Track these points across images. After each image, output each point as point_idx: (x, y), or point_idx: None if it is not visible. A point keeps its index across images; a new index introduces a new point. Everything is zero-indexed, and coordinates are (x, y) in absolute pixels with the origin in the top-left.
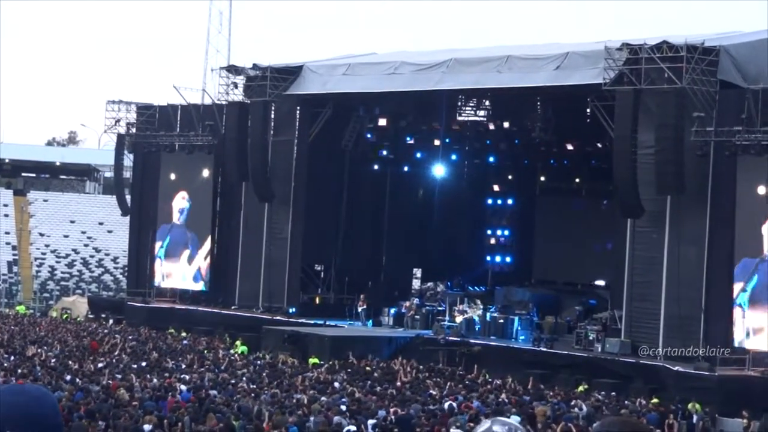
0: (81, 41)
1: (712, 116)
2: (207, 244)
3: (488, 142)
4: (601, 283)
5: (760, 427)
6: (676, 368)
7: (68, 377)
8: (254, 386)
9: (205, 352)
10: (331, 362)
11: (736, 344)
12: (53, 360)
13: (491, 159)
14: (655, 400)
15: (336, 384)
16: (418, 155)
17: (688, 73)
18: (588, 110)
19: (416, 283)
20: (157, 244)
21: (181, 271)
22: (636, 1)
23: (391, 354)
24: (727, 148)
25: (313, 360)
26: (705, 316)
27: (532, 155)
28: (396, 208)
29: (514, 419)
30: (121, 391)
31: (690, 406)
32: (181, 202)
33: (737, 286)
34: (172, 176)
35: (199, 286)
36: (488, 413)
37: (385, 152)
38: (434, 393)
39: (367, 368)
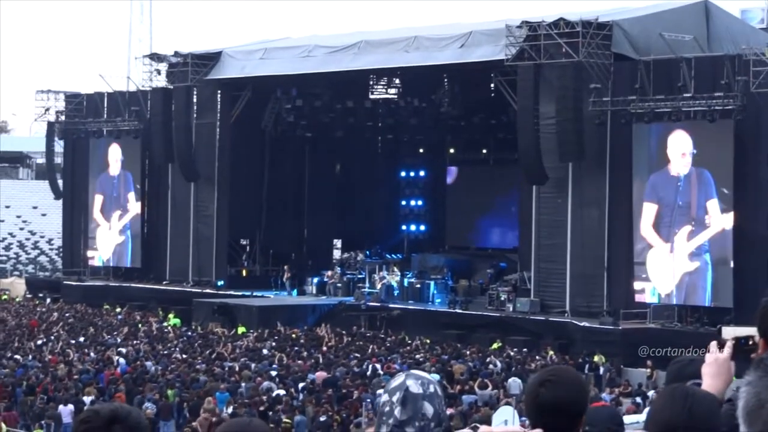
0: (9, 35)
1: (607, 87)
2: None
3: (400, 118)
4: (510, 246)
5: (666, 377)
6: (582, 324)
7: (9, 355)
8: (187, 356)
9: (139, 325)
10: (259, 331)
11: (636, 299)
12: None
13: (403, 134)
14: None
15: (264, 351)
16: (334, 133)
17: (584, 48)
18: (492, 85)
19: (337, 254)
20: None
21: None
22: None
23: (315, 321)
24: (623, 116)
25: (241, 329)
26: (608, 273)
27: (441, 129)
28: (315, 183)
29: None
30: (61, 366)
31: (596, 358)
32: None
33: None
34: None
35: (135, 262)
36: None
37: (302, 131)
38: (358, 356)
39: (294, 335)
